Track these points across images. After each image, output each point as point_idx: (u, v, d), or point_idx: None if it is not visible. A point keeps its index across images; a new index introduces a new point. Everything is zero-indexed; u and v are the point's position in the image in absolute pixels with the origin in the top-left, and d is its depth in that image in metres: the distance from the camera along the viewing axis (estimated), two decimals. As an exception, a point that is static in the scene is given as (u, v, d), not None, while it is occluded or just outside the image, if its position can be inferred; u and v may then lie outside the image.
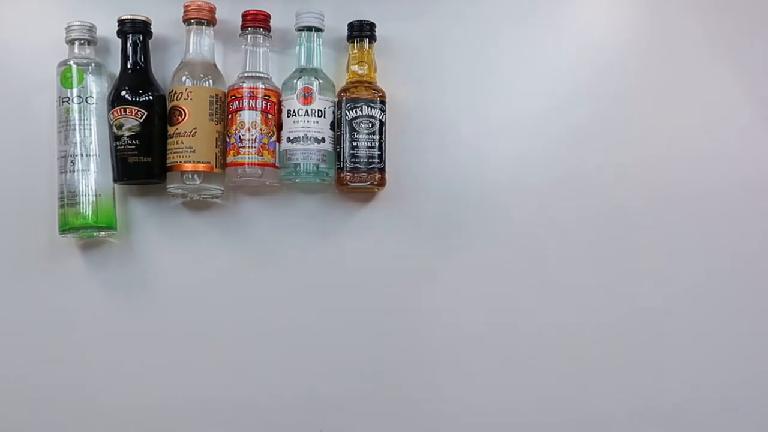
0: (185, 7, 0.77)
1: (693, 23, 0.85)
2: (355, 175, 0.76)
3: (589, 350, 0.81)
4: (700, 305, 0.82)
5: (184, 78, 0.75)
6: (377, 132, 0.76)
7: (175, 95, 0.75)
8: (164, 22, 0.79)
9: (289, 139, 0.75)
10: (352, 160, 0.76)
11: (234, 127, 0.75)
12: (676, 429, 0.81)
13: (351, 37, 0.78)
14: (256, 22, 0.76)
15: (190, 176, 0.75)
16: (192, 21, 0.76)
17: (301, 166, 0.75)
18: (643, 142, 0.83)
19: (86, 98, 0.76)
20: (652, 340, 0.81)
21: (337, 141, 0.77)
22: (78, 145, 0.75)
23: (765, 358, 0.81)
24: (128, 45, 0.77)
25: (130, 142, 0.75)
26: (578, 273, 0.82)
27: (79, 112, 0.76)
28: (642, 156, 0.83)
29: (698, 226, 0.82)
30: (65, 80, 0.76)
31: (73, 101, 0.76)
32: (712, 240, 0.82)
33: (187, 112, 0.74)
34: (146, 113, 0.75)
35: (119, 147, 0.75)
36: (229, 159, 0.75)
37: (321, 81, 0.76)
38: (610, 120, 0.83)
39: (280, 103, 0.77)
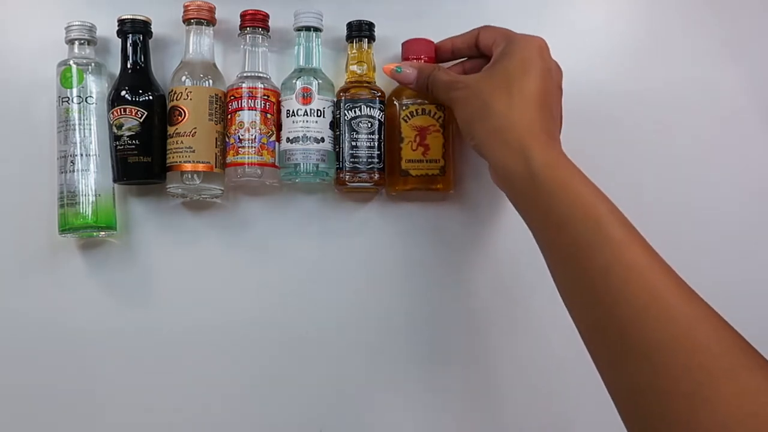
0: (185, 7, 0.77)
1: (693, 20, 0.85)
2: (355, 175, 0.76)
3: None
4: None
5: (183, 78, 0.75)
6: (377, 132, 0.76)
7: (175, 95, 0.75)
8: (164, 22, 0.79)
9: (288, 139, 0.75)
10: (352, 160, 0.76)
11: (233, 127, 0.75)
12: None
13: (350, 37, 0.78)
14: (255, 22, 0.76)
15: (189, 176, 0.75)
16: (192, 21, 0.76)
17: (301, 166, 0.75)
18: (647, 144, 0.83)
19: (86, 98, 0.76)
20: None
21: (336, 141, 0.77)
22: (78, 145, 0.75)
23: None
24: (128, 45, 0.77)
25: (129, 142, 0.75)
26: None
27: (79, 112, 0.76)
28: (644, 157, 0.83)
29: (696, 224, 0.82)
30: (65, 80, 0.76)
31: (72, 101, 0.76)
32: (710, 238, 0.82)
33: (186, 112, 0.74)
34: (146, 113, 0.75)
35: (119, 147, 0.75)
36: (229, 159, 0.75)
37: (320, 81, 0.76)
38: (613, 119, 0.83)
39: (279, 102, 0.77)
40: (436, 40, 0.79)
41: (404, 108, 0.77)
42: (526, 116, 0.62)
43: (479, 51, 0.74)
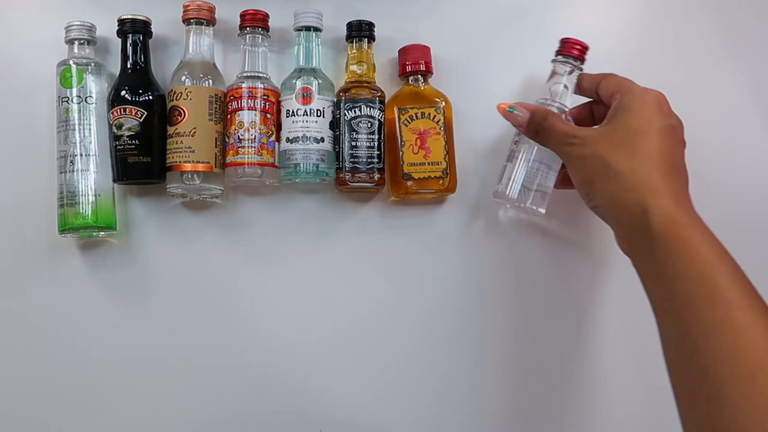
0: (185, 7, 0.77)
1: (693, 20, 0.85)
2: (355, 175, 0.76)
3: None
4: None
5: (183, 78, 0.75)
6: (377, 132, 0.76)
7: (175, 95, 0.75)
8: (164, 22, 0.79)
9: (288, 139, 0.75)
10: (352, 160, 0.76)
11: (233, 127, 0.75)
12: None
13: (350, 37, 0.78)
14: (255, 21, 0.76)
15: (189, 176, 0.75)
16: (191, 21, 0.76)
17: (301, 165, 0.75)
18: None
19: (86, 98, 0.76)
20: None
21: (336, 141, 0.76)
22: (77, 145, 0.75)
23: None
24: (128, 45, 0.77)
25: (129, 142, 0.75)
26: (586, 276, 0.81)
27: (79, 112, 0.76)
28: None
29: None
30: (65, 80, 0.76)
31: (72, 101, 0.76)
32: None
33: (186, 112, 0.74)
34: (146, 113, 0.75)
35: (119, 147, 0.75)
36: (229, 159, 0.75)
37: (320, 81, 0.76)
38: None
39: (279, 102, 0.77)
40: (435, 43, 0.79)
41: (403, 112, 0.77)
42: (651, 177, 0.59)
43: (599, 97, 0.70)
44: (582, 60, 0.74)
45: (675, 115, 0.64)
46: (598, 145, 0.62)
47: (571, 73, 0.74)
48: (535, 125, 0.68)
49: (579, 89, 0.73)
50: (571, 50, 0.74)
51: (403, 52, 0.79)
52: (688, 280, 0.54)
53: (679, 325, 0.53)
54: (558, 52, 0.75)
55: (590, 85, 0.71)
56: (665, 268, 0.55)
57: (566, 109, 0.74)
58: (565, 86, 0.73)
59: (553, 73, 0.75)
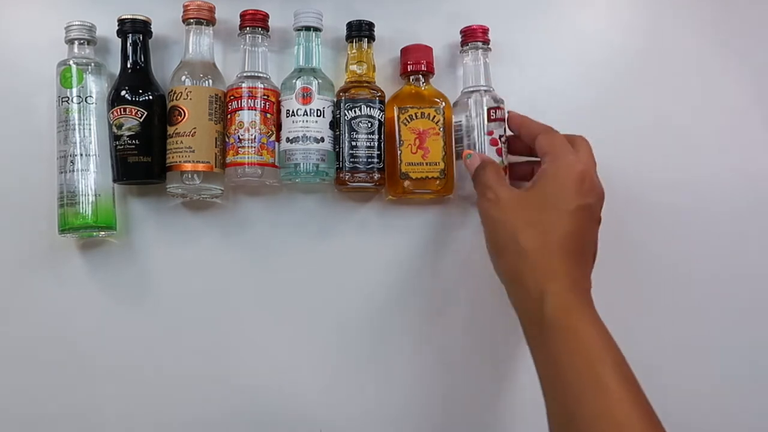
0: (185, 7, 0.77)
1: (693, 21, 0.85)
2: (355, 175, 0.76)
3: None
4: (703, 308, 0.82)
5: (183, 78, 0.75)
6: (376, 132, 0.76)
7: (175, 95, 0.75)
8: (164, 22, 0.79)
9: (288, 139, 0.75)
10: (352, 160, 0.76)
11: (233, 127, 0.75)
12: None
13: (350, 37, 0.78)
14: (255, 21, 0.77)
15: (189, 176, 0.75)
16: (191, 21, 0.77)
17: (301, 165, 0.75)
18: (646, 145, 0.83)
19: (86, 98, 0.76)
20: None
21: (336, 141, 0.76)
22: (77, 144, 0.75)
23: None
24: (128, 45, 0.77)
25: (129, 142, 0.75)
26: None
27: (79, 112, 0.76)
28: (648, 162, 0.82)
29: (697, 226, 0.82)
30: (65, 80, 0.76)
31: (72, 101, 0.76)
32: (711, 239, 0.82)
33: (186, 112, 0.74)
34: (146, 113, 0.75)
35: (119, 147, 0.75)
36: (229, 159, 0.75)
37: (320, 81, 0.76)
38: (611, 119, 0.83)
39: (279, 102, 0.77)
40: (435, 42, 0.79)
41: (403, 112, 0.77)
42: (554, 261, 0.61)
43: (533, 148, 0.71)
44: (487, 42, 0.79)
45: (595, 189, 0.65)
46: (511, 214, 0.65)
47: (484, 54, 0.79)
48: (475, 172, 0.71)
49: (519, 131, 0.74)
50: (476, 36, 0.78)
51: (405, 51, 0.79)
52: (573, 368, 0.57)
53: (564, 408, 0.57)
54: (465, 42, 0.79)
55: (528, 134, 0.72)
56: (553, 352, 0.59)
57: (492, 89, 0.78)
58: (484, 68, 0.78)
59: (468, 61, 0.79)
